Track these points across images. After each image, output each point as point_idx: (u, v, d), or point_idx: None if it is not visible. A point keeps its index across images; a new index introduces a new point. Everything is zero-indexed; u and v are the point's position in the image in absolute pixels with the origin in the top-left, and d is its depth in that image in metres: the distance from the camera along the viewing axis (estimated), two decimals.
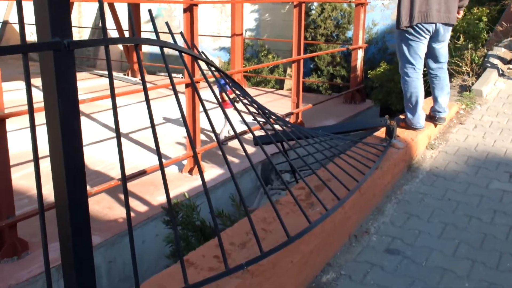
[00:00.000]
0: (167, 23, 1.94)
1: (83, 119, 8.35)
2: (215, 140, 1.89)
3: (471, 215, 3.12)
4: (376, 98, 10.49)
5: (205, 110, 1.92)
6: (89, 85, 10.59)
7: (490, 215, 3.13)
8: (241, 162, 7.48)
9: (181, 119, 1.69)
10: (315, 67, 14.16)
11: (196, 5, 6.70)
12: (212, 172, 6.64)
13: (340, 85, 13.52)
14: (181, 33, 2.03)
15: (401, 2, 3.78)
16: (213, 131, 1.74)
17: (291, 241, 1.89)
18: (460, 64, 6.09)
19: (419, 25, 3.76)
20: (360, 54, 11.35)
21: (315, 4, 14.05)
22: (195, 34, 6.66)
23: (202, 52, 2.24)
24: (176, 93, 1.67)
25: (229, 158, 7.68)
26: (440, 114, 4.15)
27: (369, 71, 10.96)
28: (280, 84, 14.18)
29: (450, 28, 3.95)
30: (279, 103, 11.65)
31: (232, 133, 2.41)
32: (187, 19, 6.69)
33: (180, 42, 2.01)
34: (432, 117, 4.19)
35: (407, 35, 3.83)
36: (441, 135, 4.32)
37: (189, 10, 6.64)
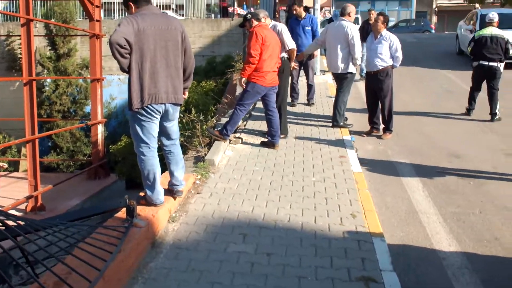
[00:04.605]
0: None
1: None
2: None
3: (213, 281, 3.32)
4: (121, 172, 10.52)
5: None
6: None
7: (230, 277, 3.38)
8: None
9: None
10: (54, 144, 13.52)
11: None
12: None
13: (82, 161, 13.13)
14: None
15: (131, 85, 3.90)
16: None
17: None
18: (193, 137, 6.59)
19: (149, 106, 3.93)
20: (100, 128, 11.27)
21: (49, 80, 13.58)
22: None
23: None
24: None
25: None
26: (177, 187, 4.38)
27: (111, 146, 10.97)
28: (14, 166, 13.04)
29: (178, 108, 4.26)
30: (15, 187, 10.64)
31: None
32: None
33: None
34: (171, 191, 4.39)
35: (139, 116, 3.96)
36: (181, 207, 4.54)
37: None
